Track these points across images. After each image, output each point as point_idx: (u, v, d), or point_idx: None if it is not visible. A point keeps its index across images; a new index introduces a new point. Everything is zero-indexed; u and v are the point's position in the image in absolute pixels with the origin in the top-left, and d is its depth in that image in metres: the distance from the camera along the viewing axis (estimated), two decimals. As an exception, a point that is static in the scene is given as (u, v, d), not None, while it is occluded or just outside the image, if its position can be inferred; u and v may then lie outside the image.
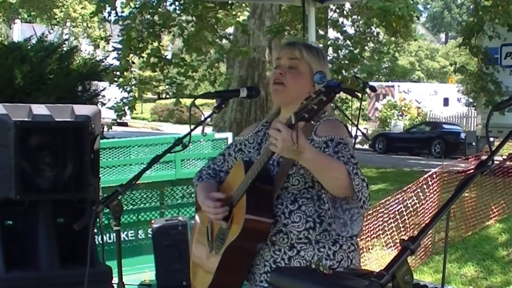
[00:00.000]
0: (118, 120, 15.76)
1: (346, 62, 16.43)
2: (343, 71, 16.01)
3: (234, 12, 15.53)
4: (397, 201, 8.67)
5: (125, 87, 14.35)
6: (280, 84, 2.92)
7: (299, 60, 2.93)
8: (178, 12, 15.34)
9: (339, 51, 17.55)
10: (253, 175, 2.77)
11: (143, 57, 14.70)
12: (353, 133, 3.16)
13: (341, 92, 2.56)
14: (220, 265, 2.87)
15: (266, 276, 2.87)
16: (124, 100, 14.32)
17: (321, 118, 2.88)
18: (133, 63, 14.89)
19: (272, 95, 2.99)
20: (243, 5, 16.66)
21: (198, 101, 3.22)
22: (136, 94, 14.74)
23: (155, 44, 14.59)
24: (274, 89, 2.94)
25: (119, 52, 14.78)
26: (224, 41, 15.68)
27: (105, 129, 14.71)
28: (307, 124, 2.83)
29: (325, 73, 2.52)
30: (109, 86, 14.49)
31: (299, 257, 2.83)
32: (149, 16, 14.80)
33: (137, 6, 15.00)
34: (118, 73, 14.54)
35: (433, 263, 8.46)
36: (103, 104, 13.99)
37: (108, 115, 15.27)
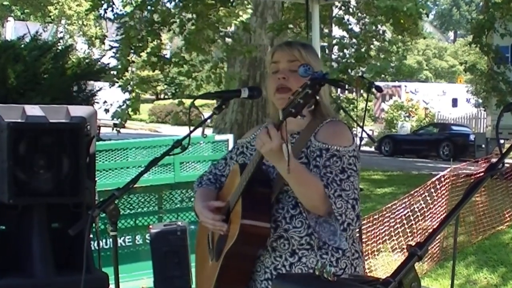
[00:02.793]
0: (116, 121, 15.74)
1: (353, 61, 16.45)
2: (349, 70, 16.02)
3: (236, 11, 15.53)
4: (404, 205, 8.66)
5: (128, 87, 14.37)
6: (285, 91, 2.87)
7: (299, 61, 2.89)
8: (178, 9, 15.35)
9: (345, 50, 17.56)
10: (247, 178, 2.78)
11: (141, 56, 14.72)
12: (359, 135, 3.17)
13: (346, 92, 2.58)
14: (220, 272, 2.87)
15: (266, 283, 2.87)
16: (128, 102, 14.32)
17: (324, 119, 2.89)
18: (133, 62, 14.91)
19: (277, 104, 2.91)
20: (245, 2, 16.65)
21: (198, 102, 3.21)
22: (134, 95, 14.75)
23: (155, 42, 14.61)
24: (280, 97, 2.89)
25: (116, 52, 14.80)
26: (226, 39, 15.69)
27: (114, 131, 14.77)
28: (310, 124, 2.85)
29: (310, 66, 2.52)
30: (110, 87, 14.53)
31: (300, 263, 2.82)
32: (147, 14, 14.82)
33: (135, 4, 15.02)
34: (114, 72, 14.57)
35: (441, 269, 8.45)
36: (105, 109, 14.04)
37: (105, 116, 15.29)
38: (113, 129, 14.78)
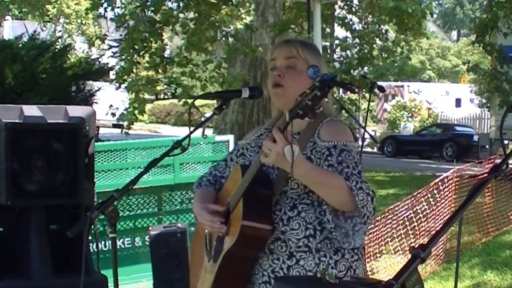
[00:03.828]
0: (115, 122, 15.82)
1: (356, 61, 16.45)
2: (352, 71, 16.02)
3: (240, 13, 15.57)
4: (406, 206, 8.65)
5: (135, 88, 14.43)
6: (280, 87, 2.91)
7: (297, 59, 2.91)
8: (179, 9, 15.38)
9: (348, 51, 17.55)
10: (249, 179, 2.77)
11: (145, 57, 14.77)
12: (361, 135, 3.16)
13: (349, 92, 2.58)
14: (217, 275, 2.86)
15: (265, 286, 2.86)
16: (134, 104, 14.37)
17: (324, 118, 2.88)
18: (139, 63, 14.96)
19: (273, 100, 2.98)
20: (247, 4, 16.67)
21: (199, 102, 3.21)
22: (133, 96, 14.79)
23: (158, 44, 14.66)
24: (274, 93, 2.93)
25: (117, 52, 14.83)
26: (228, 39, 15.72)
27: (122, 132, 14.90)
28: (311, 124, 2.84)
29: (319, 67, 2.52)
30: (116, 89, 14.60)
31: (298, 266, 2.81)
32: (150, 13, 14.84)
33: (134, 6, 15.08)
34: (113, 73, 14.63)
35: (445, 272, 8.44)
36: (112, 113, 14.06)
37: (104, 116, 15.33)
38: (121, 131, 14.87)
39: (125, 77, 14.58)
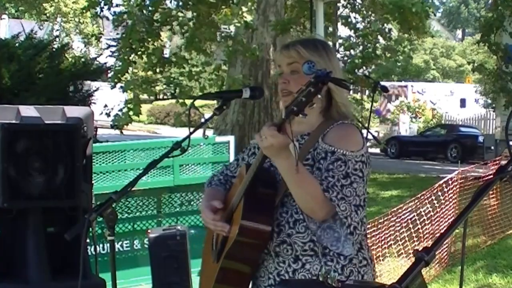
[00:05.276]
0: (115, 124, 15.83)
1: (360, 61, 16.44)
2: (356, 70, 16.02)
3: (241, 12, 15.56)
4: (410, 209, 8.64)
5: (131, 87, 14.41)
6: (288, 95, 2.88)
7: (298, 62, 2.88)
8: (178, 8, 15.38)
9: (351, 50, 17.54)
10: (249, 178, 2.78)
11: (143, 58, 14.77)
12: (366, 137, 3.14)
13: (351, 92, 2.57)
14: (218, 275, 2.87)
15: (270, 289, 2.87)
16: (129, 105, 14.34)
17: (336, 120, 2.88)
18: (134, 62, 14.96)
19: (283, 106, 2.98)
20: (249, 3, 16.65)
21: (199, 102, 3.21)
22: (132, 96, 14.79)
23: (157, 43, 14.66)
24: (284, 101, 2.92)
25: (115, 51, 14.84)
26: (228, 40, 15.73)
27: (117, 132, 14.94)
28: (321, 126, 2.84)
29: (314, 63, 2.51)
30: (111, 89, 14.58)
31: (304, 270, 2.81)
32: (148, 13, 14.84)
33: (136, 3, 15.09)
34: (111, 72, 14.63)
35: (449, 275, 8.43)
36: (106, 113, 14.05)
37: (103, 117, 15.33)
38: (114, 129, 14.87)
39: (121, 76, 14.57)
